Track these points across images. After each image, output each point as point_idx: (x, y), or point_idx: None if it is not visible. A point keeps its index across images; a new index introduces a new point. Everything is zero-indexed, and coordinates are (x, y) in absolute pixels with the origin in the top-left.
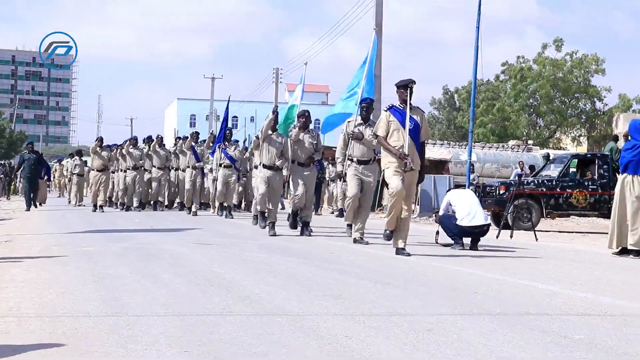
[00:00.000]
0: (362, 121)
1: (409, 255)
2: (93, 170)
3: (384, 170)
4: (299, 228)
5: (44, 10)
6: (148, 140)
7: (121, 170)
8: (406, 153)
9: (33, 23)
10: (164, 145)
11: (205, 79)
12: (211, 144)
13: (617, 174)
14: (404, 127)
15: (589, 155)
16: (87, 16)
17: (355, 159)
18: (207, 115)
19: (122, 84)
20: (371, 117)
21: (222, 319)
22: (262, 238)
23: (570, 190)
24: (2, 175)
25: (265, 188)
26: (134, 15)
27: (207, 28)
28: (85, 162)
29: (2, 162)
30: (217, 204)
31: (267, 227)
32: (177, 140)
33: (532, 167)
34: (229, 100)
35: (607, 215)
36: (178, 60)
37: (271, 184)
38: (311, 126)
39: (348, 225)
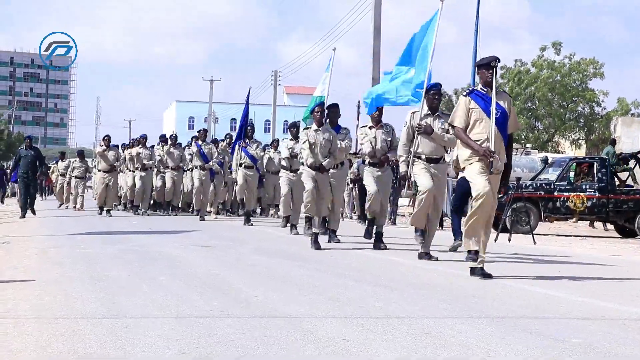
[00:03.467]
0: (429, 112)
1: (490, 276)
2: (100, 171)
3: (464, 168)
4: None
5: (42, 13)
6: (161, 139)
7: (130, 171)
8: (492, 150)
9: (31, 25)
10: (180, 144)
11: (203, 81)
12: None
13: (616, 178)
14: (489, 117)
15: (587, 159)
16: (85, 19)
17: (423, 157)
18: (206, 118)
19: (120, 86)
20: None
21: (220, 321)
22: (260, 241)
23: (568, 194)
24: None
25: (312, 185)
26: (132, 19)
27: (204, 32)
28: (87, 163)
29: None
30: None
31: (310, 238)
32: (192, 140)
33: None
34: (249, 94)
35: (605, 219)
36: (176, 64)
37: (317, 186)
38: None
39: (417, 231)
